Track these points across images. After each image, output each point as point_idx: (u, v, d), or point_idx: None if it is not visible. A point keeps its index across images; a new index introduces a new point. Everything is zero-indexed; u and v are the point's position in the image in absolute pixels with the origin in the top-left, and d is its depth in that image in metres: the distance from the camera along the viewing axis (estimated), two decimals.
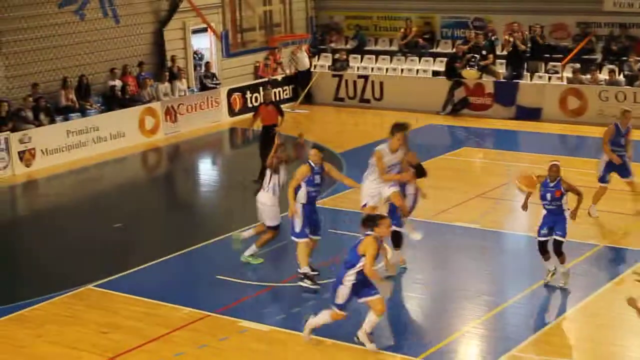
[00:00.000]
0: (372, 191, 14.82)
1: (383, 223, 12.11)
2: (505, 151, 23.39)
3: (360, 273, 11.96)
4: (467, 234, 17.12)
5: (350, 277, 12.04)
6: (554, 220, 14.37)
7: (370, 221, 12.16)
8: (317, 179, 14.75)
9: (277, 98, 29.27)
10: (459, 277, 15.17)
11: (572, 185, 14.46)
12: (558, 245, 14.27)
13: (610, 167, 17.56)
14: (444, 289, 14.80)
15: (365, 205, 14.86)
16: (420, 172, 15.19)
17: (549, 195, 14.40)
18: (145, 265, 16.03)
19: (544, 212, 14.47)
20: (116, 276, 15.47)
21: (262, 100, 21.92)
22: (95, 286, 15.12)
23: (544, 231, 14.48)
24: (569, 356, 12.46)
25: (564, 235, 14.27)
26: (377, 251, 11.99)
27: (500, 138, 25.35)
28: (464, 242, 16.87)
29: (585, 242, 16.15)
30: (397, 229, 14.57)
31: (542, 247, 14.48)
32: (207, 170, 24.95)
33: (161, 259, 16.29)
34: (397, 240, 14.93)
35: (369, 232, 12.02)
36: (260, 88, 28.13)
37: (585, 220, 17.26)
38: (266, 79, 29.34)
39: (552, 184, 14.42)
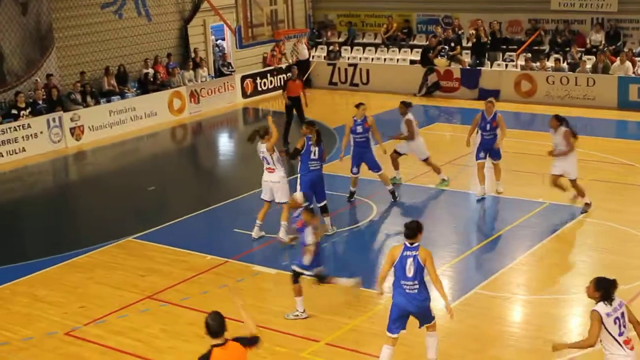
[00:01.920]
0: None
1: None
2: (469, 126, 23.33)
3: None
4: (437, 195, 17.22)
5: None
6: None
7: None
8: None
9: (282, 83, 29.26)
10: (432, 230, 15.24)
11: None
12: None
13: (481, 147, 16.59)
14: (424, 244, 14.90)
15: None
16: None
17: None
18: (175, 220, 16.13)
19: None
20: (151, 230, 15.59)
21: (290, 77, 22.30)
22: (134, 238, 15.28)
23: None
24: (522, 292, 12.63)
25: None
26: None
27: (466, 115, 25.30)
28: (435, 201, 16.99)
29: (534, 200, 16.27)
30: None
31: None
32: (224, 143, 25.00)
33: (188, 216, 16.41)
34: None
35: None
36: (269, 74, 28.22)
37: (535, 182, 17.40)
38: (272, 67, 29.33)
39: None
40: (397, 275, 9.56)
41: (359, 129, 16.12)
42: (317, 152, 14.63)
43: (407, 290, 9.54)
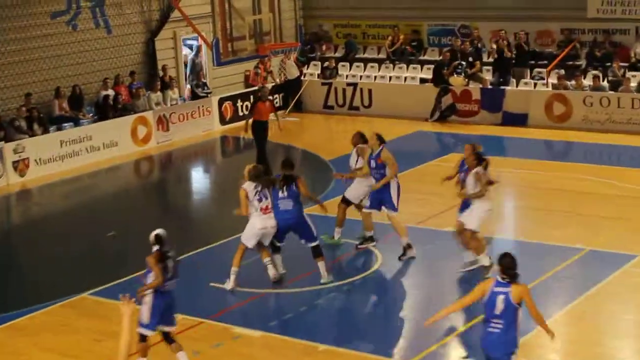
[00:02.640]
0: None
1: None
2: (492, 157, 23.31)
3: None
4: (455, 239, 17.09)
5: None
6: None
7: None
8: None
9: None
10: (448, 282, 15.19)
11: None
12: None
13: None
14: (433, 293, 14.82)
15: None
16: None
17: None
18: (139, 273, 15.91)
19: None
20: (110, 284, 15.44)
21: (259, 97, 22.50)
22: (88, 294, 15.11)
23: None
24: (558, 357, 12.49)
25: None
26: None
27: (487, 144, 25.22)
28: (453, 246, 16.86)
29: (571, 246, 16.18)
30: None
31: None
32: (199, 178, 24.94)
33: None
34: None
35: None
36: (252, 96, 28.30)
37: (572, 223, 17.34)
38: (256, 88, 29.35)
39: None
40: (485, 313, 10.15)
41: (372, 163, 16.06)
42: (285, 190, 14.78)
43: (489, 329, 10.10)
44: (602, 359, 12.27)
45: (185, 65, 29.97)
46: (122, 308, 7.97)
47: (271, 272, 14.85)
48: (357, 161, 16.51)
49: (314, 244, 14.85)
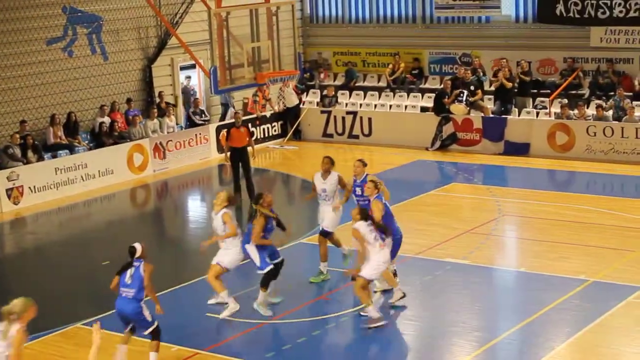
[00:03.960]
0: None
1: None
2: (494, 187, 23.48)
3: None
4: (456, 270, 17.14)
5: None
6: None
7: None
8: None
9: (266, 134, 29.50)
10: (449, 313, 15.21)
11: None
12: None
13: None
14: (434, 324, 14.83)
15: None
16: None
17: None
18: None
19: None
20: (105, 314, 15.41)
21: (234, 123, 22.80)
22: (83, 324, 15.11)
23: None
24: None
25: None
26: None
27: (489, 173, 25.44)
28: (453, 278, 16.90)
29: (574, 277, 16.20)
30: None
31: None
32: (195, 207, 24.96)
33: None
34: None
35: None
36: (234, 110, 28.65)
37: (575, 254, 17.38)
38: (255, 116, 29.47)
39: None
40: None
41: (358, 190, 16.08)
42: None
43: None
44: None
45: (184, 93, 30.11)
46: (93, 336, 8.30)
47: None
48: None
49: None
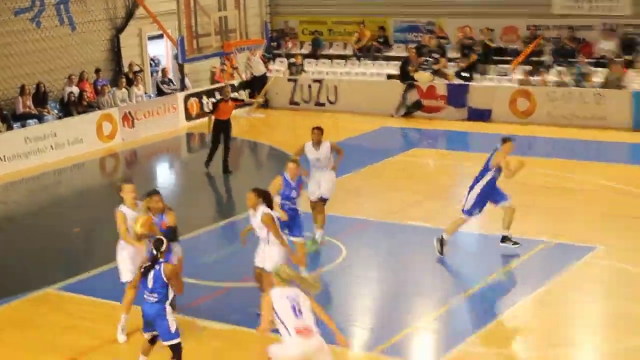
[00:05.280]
0: None
1: None
2: (457, 152, 23.62)
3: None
4: (419, 233, 17.26)
5: None
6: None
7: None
8: (294, 193, 14.67)
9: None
10: (413, 275, 15.36)
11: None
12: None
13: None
14: (396, 286, 14.95)
15: None
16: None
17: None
18: (104, 268, 15.97)
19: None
20: (75, 279, 15.46)
21: (221, 97, 22.68)
22: (53, 289, 15.12)
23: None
24: (520, 348, 12.67)
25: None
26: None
27: (452, 139, 25.60)
28: (416, 240, 17.02)
29: (535, 238, 16.37)
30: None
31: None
32: (164, 175, 24.94)
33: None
34: None
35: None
36: (218, 92, 28.41)
37: (535, 217, 17.55)
38: (222, 84, 29.42)
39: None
40: None
41: (293, 193, 14.96)
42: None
43: None
44: (564, 346, 12.43)
45: (153, 62, 30.02)
46: None
47: None
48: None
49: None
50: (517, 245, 15.65)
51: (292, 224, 14.41)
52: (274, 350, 10.15)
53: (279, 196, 14.50)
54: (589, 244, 15.99)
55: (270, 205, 12.99)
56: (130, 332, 12.94)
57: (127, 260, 13.04)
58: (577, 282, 14.69)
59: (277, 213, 13.52)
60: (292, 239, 14.42)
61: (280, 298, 10.03)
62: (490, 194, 15.60)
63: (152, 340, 11.55)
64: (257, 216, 12.79)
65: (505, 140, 15.61)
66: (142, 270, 11.31)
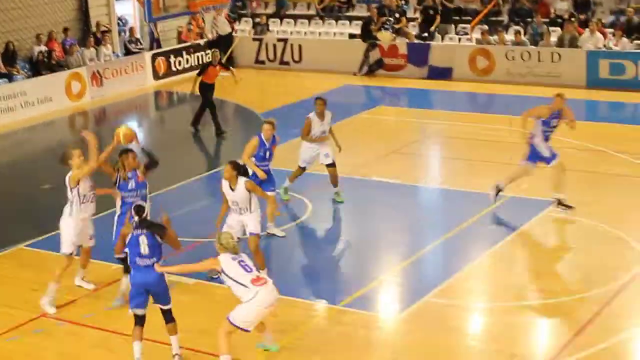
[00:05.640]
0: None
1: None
2: (418, 109, 23.57)
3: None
4: (383, 188, 17.24)
5: None
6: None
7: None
8: (267, 154, 14.38)
9: (200, 62, 29.12)
10: (376, 229, 15.34)
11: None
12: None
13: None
14: (361, 239, 14.94)
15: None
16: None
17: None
18: None
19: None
20: (46, 236, 15.25)
21: (210, 61, 22.26)
22: (25, 246, 14.98)
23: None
24: (481, 299, 12.70)
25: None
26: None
27: (414, 97, 25.54)
28: (380, 195, 17.00)
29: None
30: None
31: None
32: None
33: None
34: None
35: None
36: (184, 52, 28.14)
37: (493, 172, 17.55)
38: (189, 44, 29.10)
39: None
40: None
41: (267, 154, 14.58)
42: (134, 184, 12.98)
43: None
44: (522, 299, 12.47)
45: (120, 22, 29.64)
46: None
47: None
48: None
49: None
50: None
51: (264, 180, 14.28)
52: (234, 315, 10.24)
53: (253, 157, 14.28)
54: (546, 197, 16.00)
55: (245, 175, 12.92)
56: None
57: (72, 232, 12.70)
58: (535, 236, 14.73)
59: (257, 172, 13.89)
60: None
61: (227, 261, 10.31)
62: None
63: (141, 320, 10.75)
64: (238, 188, 12.64)
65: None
66: (129, 238, 10.73)
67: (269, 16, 31.26)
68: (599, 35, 25.31)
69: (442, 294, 12.60)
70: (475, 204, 15.88)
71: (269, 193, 14.21)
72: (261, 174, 13.99)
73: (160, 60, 28.26)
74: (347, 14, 30.64)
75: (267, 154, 14.41)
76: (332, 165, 16.23)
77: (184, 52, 28.73)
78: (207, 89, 22.08)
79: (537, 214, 15.40)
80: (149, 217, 11.10)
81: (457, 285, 12.94)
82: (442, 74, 26.78)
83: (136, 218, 10.73)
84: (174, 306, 10.86)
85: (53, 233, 15.36)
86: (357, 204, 16.53)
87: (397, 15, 28.18)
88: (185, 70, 28.77)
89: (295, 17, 31.20)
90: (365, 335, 11.52)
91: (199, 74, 22.18)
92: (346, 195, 16.58)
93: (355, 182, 17.52)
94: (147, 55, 27.95)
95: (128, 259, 10.86)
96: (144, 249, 10.59)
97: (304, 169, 16.36)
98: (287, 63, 29.40)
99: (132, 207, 10.89)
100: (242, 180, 12.70)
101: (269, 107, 23.82)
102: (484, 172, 17.59)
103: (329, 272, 13.83)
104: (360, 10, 30.51)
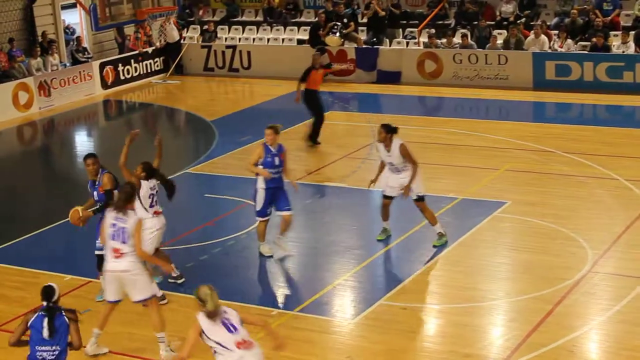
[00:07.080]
0: None
1: None
2: (368, 113, 23.64)
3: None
4: (335, 193, 17.28)
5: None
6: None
7: None
8: (276, 161, 13.86)
9: (149, 70, 29.00)
10: (329, 234, 15.36)
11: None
12: None
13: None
14: (315, 245, 14.95)
15: None
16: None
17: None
18: (24, 236, 15.70)
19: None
20: None
21: (311, 65, 20.69)
22: None
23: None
24: (434, 301, 12.77)
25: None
26: None
27: (363, 101, 25.61)
28: (332, 200, 17.03)
29: (444, 195, 16.47)
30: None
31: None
32: (83, 142, 24.50)
33: (40, 230, 15.97)
34: None
35: None
36: (132, 60, 27.97)
37: (444, 174, 17.67)
38: (137, 52, 28.94)
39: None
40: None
41: (276, 160, 14.03)
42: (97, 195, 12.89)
43: None
44: (475, 300, 12.55)
45: (67, 31, 29.42)
46: None
47: None
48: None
49: None
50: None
51: (276, 198, 13.96)
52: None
53: (261, 165, 13.79)
54: (496, 199, 16.15)
55: (152, 177, 12.85)
56: None
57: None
58: (486, 237, 14.83)
59: (261, 173, 13.72)
60: (279, 213, 14.11)
61: (208, 323, 8.73)
62: None
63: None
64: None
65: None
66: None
67: (217, 23, 31.19)
68: (544, 38, 25.58)
69: (396, 297, 12.65)
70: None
71: (284, 213, 14.02)
72: (266, 174, 13.67)
73: (109, 69, 28.06)
74: (295, 19, 30.64)
75: (276, 160, 13.82)
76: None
77: (132, 61, 28.55)
78: (312, 97, 20.64)
79: (488, 215, 15.50)
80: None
81: (410, 288, 13.00)
82: (391, 78, 26.89)
83: (44, 303, 9.33)
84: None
85: (2, 244, 15.29)
86: (309, 209, 16.53)
87: (345, 20, 28.23)
88: (133, 79, 28.61)
89: (243, 24, 31.16)
90: (320, 339, 11.54)
91: (301, 80, 20.56)
92: (299, 200, 16.56)
93: (307, 187, 17.51)
94: (95, 65, 27.74)
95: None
96: (48, 332, 9.16)
97: None
98: (236, 70, 29.33)
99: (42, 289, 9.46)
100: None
101: (219, 115, 23.75)
102: (435, 175, 17.67)
103: (283, 278, 13.83)
104: (309, 16, 30.55)
